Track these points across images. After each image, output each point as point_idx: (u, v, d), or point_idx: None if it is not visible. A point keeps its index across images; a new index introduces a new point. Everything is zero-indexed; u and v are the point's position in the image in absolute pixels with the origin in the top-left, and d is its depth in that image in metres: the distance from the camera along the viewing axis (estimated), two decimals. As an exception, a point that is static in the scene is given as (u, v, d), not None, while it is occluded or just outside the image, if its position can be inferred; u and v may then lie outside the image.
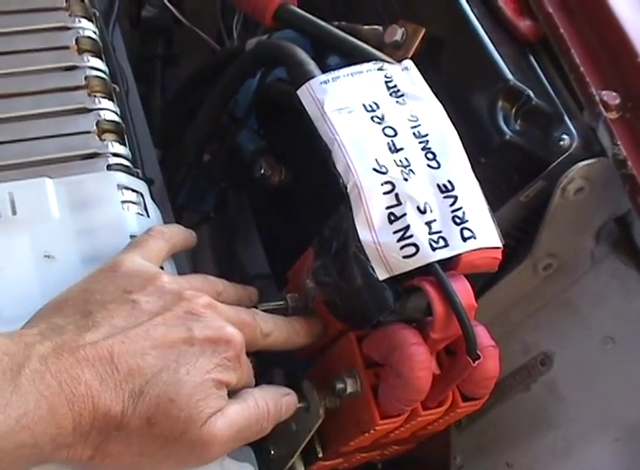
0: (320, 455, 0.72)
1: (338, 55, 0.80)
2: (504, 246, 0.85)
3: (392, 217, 0.64)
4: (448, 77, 0.79)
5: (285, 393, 0.66)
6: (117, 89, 0.76)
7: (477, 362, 0.62)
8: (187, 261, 1.10)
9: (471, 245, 0.63)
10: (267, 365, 0.82)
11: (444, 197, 0.65)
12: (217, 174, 1.02)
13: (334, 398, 0.68)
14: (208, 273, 1.07)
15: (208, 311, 0.62)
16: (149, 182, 0.88)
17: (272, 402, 0.64)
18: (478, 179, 0.71)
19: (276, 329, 0.68)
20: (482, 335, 0.66)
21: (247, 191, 1.01)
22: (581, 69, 0.76)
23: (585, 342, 0.78)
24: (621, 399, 0.74)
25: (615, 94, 0.76)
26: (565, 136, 0.75)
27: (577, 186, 0.75)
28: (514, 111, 0.75)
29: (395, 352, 0.62)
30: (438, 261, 0.63)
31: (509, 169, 0.77)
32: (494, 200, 0.79)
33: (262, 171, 0.89)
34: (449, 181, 0.66)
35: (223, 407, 0.60)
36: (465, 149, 0.69)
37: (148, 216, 0.68)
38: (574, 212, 0.78)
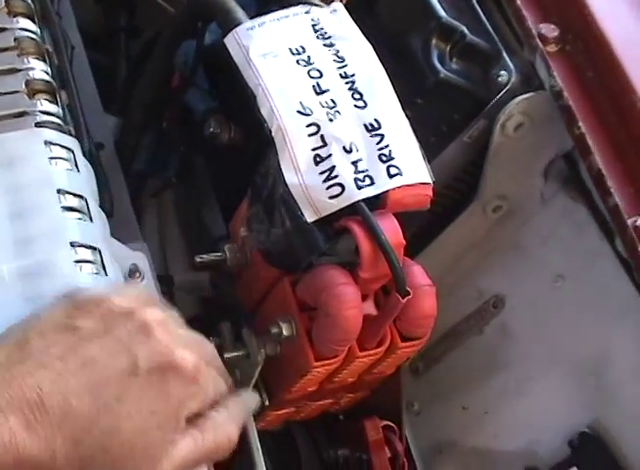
0: (266, 403, 0.72)
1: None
2: (455, 191, 0.85)
3: (318, 159, 0.63)
4: (384, 20, 0.78)
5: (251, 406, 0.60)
6: (51, 50, 0.76)
7: (406, 299, 0.61)
8: (154, 230, 1.11)
9: (397, 181, 0.63)
10: (215, 318, 0.82)
11: (371, 136, 0.64)
12: (176, 139, 1.02)
13: (273, 344, 0.68)
14: (174, 239, 1.08)
15: (160, 329, 0.54)
16: (97, 146, 0.88)
17: (235, 427, 0.56)
18: (416, 121, 0.70)
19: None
20: (418, 274, 0.66)
21: (203, 152, 1.01)
22: (518, 2, 0.75)
23: (536, 281, 0.77)
24: (571, 337, 0.73)
25: (553, 27, 0.75)
26: (503, 72, 0.74)
27: (517, 122, 0.74)
28: (448, 49, 0.74)
29: (323, 293, 0.62)
30: (366, 200, 0.62)
31: (447, 110, 0.76)
32: (436, 142, 0.79)
33: (211, 130, 0.89)
34: (376, 120, 0.65)
35: (172, 451, 0.52)
36: (401, 91, 0.68)
37: (78, 171, 0.67)
38: (518, 151, 0.77)
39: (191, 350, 0.54)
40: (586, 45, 0.73)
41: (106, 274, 0.63)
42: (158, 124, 1.01)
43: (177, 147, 1.02)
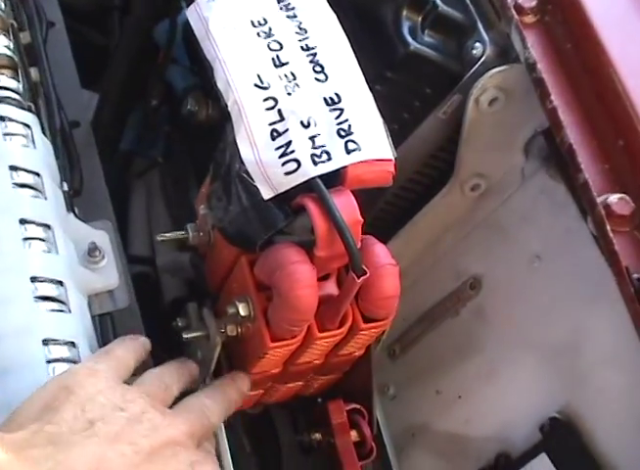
0: (229, 386, 0.71)
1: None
2: (432, 169, 0.83)
3: (275, 134, 0.61)
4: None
5: None
6: (16, 26, 0.74)
7: (362, 279, 0.59)
8: (141, 211, 1.10)
9: (355, 157, 0.60)
10: (182, 300, 0.81)
11: (330, 110, 0.62)
12: (161, 118, 1.01)
13: (232, 325, 0.66)
14: (161, 218, 1.07)
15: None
16: (72, 124, 0.87)
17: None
18: (388, 96, 0.68)
19: (218, 407, 0.64)
20: (379, 253, 0.64)
21: (184, 130, 0.99)
22: (493, -28, 0.72)
23: (513, 261, 0.74)
24: (545, 319, 0.71)
25: (531, -4, 0.72)
26: (477, 44, 0.71)
27: (491, 96, 0.71)
28: (420, 20, 0.72)
29: (277, 272, 0.60)
30: (323, 177, 0.60)
31: (419, 84, 0.74)
32: (409, 118, 0.77)
33: (189, 107, 0.87)
34: (336, 94, 0.63)
35: None
36: (371, 64, 0.66)
37: (34, 148, 0.66)
38: (494, 126, 0.74)
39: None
40: (565, 16, 0.70)
41: (57, 252, 0.62)
42: (144, 103, 1.00)
43: (163, 126, 1.01)
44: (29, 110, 0.70)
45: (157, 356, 0.89)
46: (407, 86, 0.73)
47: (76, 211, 0.75)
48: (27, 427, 0.51)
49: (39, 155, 0.66)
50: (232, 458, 0.92)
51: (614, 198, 0.61)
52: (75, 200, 0.79)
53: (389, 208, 0.84)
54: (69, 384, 0.53)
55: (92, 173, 0.85)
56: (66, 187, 0.75)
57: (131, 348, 0.62)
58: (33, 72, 0.79)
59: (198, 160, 0.96)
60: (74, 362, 0.56)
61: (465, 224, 0.79)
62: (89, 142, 0.87)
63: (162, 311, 1.03)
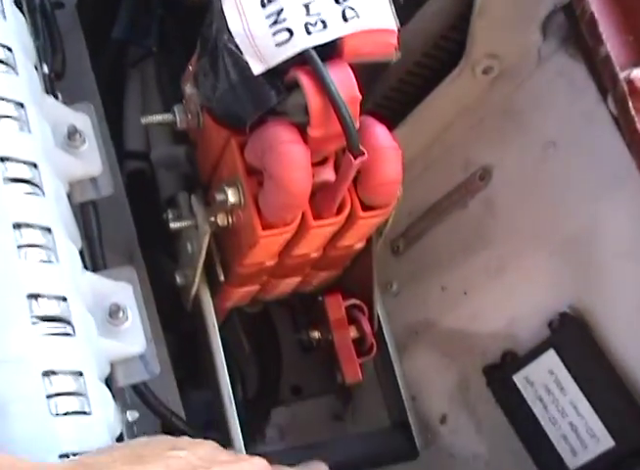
0: (222, 279, 0.67)
1: None
2: (443, 51, 0.77)
3: (265, 1, 0.56)
4: None
5: None
6: None
7: (359, 160, 0.55)
8: (136, 104, 1.05)
9: (353, 26, 0.55)
10: (172, 196, 0.77)
11: (327, -26, 0.57)
12: (154, 3, 0.95)
13: (222, 213, 0.62)
14: (156, 110, 1.02)
15: None
16: (55, 5, 0.82)
17: None
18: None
19: None
20: (380, 135, 0.59)
21: (176, 14, 0.93)
22: None
23: (526, 149, 0.69)
24: (558, 211, 0.66)
25: None
26: None
27: (505, -34, 0.65)
28: None
29: (267, 152, 0.55)
30: (318, 48, 0.55)
31: (428, -48, 0.68)
32: (417, -9, 0.71)
33: (180, -14, 0.81)
34: (333, -44, 0.57)
35: None
36: None
37: (4, 19, 0.61)
38: (510, 1, 0.68)
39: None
40: None
41: (30, 131, 0.57)
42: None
43: (156, 12, 0.95)
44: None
45: (153, 257, 0.86)
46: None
47: (59, 95, 0.70)
48: None
49: (10, 27, 0.61)
50: (231, 358, 0.90)
51: (638, 72, 0.56)
52: (59, 84, 0.74)
53: (395, 94, 0.78)
54: None
55: (77, 57, 0.80)
56: (46, 69, 0.70)
57: None
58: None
59: (193, 47, 0.91)
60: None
61: (476, 110, 0.73)
62: (74, 24, 0.82)
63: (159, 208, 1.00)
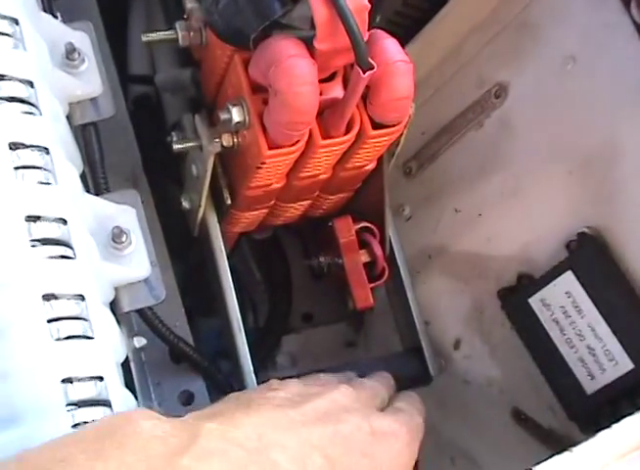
0: (228, 202, 0.65)
1: None
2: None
3: None
4: None
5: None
6: None
7: (368, 74, 0.52)
8: (140, 26, 1.02)
9: None
10: (178, 121, 0.74)
11: None
12: None
13: (228, 134, 0.60)
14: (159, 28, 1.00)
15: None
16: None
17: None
18: None
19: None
20: (390, 48, 0.56)
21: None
22: None
23: (544, 65, 0.66)
24: (577, 128, 0.63)
25: None
26: None
27: None
28: None
29: (272, 67, 0.53)
30: (324, -44, 0.52)
31: None
32: None
33: None
34: None
35: None
36: None
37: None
38: None
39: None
40: None
41: (25, 49, 0.55)
42: None
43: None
44: None
45: (160, 184, 0.84)
46: None
47: (59, 16, 0.68)
48: None
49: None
50: (241, 285, 0.89)
51: (664, -24, 0.53)
52: (56, 3, 0.72)
53: (407, 10, 0.75)
54: None
55: (76, -25, 0.77)
56: (43, -15, 0.68)
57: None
58: None
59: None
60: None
61: (491, 25, 0.70)
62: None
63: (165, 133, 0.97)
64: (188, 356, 0.64)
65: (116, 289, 0.55)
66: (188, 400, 0.64)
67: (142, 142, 0.79)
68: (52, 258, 0.47)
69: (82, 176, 0.61)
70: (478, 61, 0.72)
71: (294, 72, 0.52)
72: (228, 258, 0.71)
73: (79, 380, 0.44)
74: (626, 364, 0.60)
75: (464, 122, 0.72)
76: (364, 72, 0.52)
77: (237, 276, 0.92)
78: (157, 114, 0.96)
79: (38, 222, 0.48)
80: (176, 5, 0.94)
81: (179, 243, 0.76)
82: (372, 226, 0.68)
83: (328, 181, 0.66)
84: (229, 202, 0.65)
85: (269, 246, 0.87)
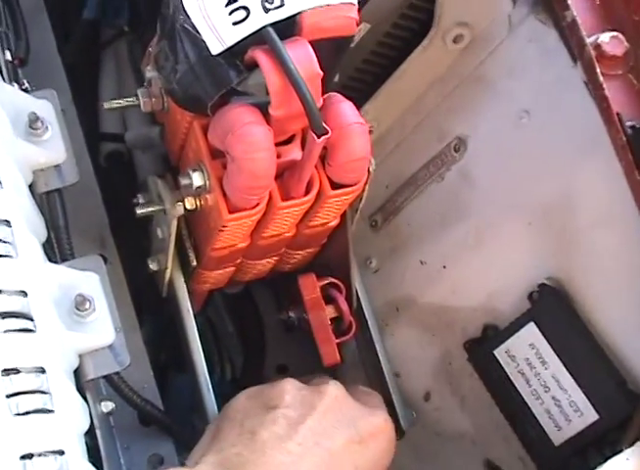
0: (194, 263, 0.66)
1: None
2: (412, 21, 0.75)
3: (221, -22, 0.54)
4: None
5: None
6: None
7: (323, 139, 0.53)
8: (111, 85, 1.03)
9: (312, 2, 0.53)
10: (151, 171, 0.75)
11: (284, -52, 0.55)
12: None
13: (191, 197, 0.61)
14: (131, 90, 1.00)
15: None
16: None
17: None
18: None
19: None
20: (346, 111, 0.57)
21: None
22: None
23: (500, 118, 0.67)
24: (534, 179, 0.64)
25: None
26: None
27: None
28: None
29: (229, 134, 0.54)
30: (276, 26, 0.53)
31: None
32: (382, -40, 0.69)
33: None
34: None
35: None
36: None
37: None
38: (477, -33, 0.67)
39: None
40: None
41: (-13, 122, 0.56)
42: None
43: (126, -9, 0.94)
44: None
45: (135, 240, 0.85)
46: None
47: (25, 83, 0.69)
48: None
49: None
50: (216, 337, 0.89)
51: (605, 37, 0.54)
52: (25, 71, 0.73)
53: (367, 67, 0.76)
54: None
55: (43, 42, 0.79)
56: (8, 56, 0.69)
57: None
58: None
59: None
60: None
61: (448, 80, 0.72)
62: (38, 7, 0.80)
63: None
64: (156, 419, 0.64)
65: (81, 356, 0.56)
66: (157, 464, 0.64)
67: (115, 198, 0.80)
68: (12, 331, 0.47)
69: (47, 242, 0.61)
70: (437, 115, 0.73)
71: (249, 140, 0.53)
72: (200, 313, 0.71)
73: (39, 455, 0.44)
74: (592, 415, 0.61)
75: (426, 176, 0.73)
76: (319, 137, 0.53)
77: (211, 328, 0.93)
78: (129, 170, 0.97)
79: (-2, 296, 0.49)
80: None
81: (154, 298, 0.77)
82: (337, 282, 0.69)
83: (293, 238, 0.67)
84: (195, 263, 0.66)
85: (242, 299, 0.87)
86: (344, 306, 0.68)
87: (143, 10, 0.95)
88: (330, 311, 0.68)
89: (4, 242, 0.51)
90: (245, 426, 0.59)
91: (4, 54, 0.68)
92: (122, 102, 0.63)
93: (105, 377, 0.58)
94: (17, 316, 0.48)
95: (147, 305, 0.80)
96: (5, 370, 0.46)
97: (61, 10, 0.91)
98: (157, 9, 0.87)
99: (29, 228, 0.55)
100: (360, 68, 0.77)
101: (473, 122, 0.70)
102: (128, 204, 0.85)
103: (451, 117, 0.72)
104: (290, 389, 0.62)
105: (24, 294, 0.49)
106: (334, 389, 0.63)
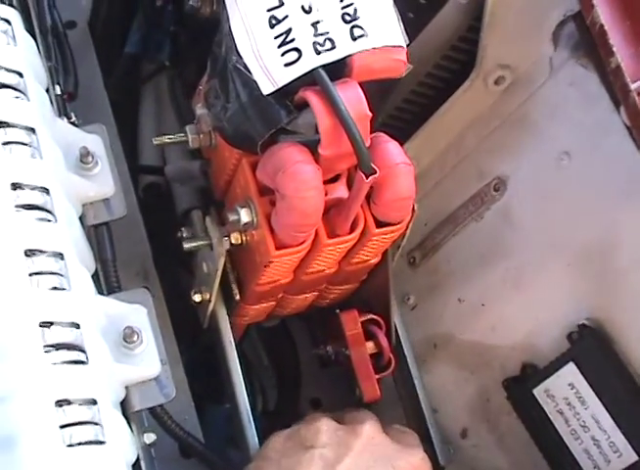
0: (237, 298, 0.67)
1: None
2: (454, 62, 0.77)
3: (274, 21, 0.55)
4: None
5: None
6: None
7: (371, 178, 0.54)
8: (150, 119, 1.05)
9: (362, 44, 0.55)
10: (187, 210, 0.77)
11: (334, -8, 0.56)
12: (167, 18, 0.95)
13: (236, 233, 0.62)
14: (170, 125, 1.02)
15: None
16: (67, 25, 0.82)
17: None
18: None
19: None
20: (392, 151, 0.58)
21: (189, 30, 0.93)
22: None
23: (540, 159, 0.68)
24: (575, 220, 0.65)
25: None
26: None
27: (514, -24, 0.65)
28: None
29: (279, 173, 0.55)
30: (327, 67, 0.55)
31: (437, -35, 0.67)
32: (426, 5, 0.70)
33: (191, 3, 0.81)
34: (341, -26, 0.57)
35: None
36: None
37: (15, 45, 0.61)
38: (519, 11, 0.67)
39: None
40: None
41: (41, 157, 0.57)
42: (149, 3, 0.94)
43: (169, 26, 0.96)
44: (10, 4, 0.65)
45: (171, 270, 0.86)
46: (423, -32, 0.66)
47: (73, 116, 0.71)
48: None
49: (20, 53, 0.61)
50: (251, 371, 0.90)
51: (650, 83, 0.55)
52: (72, 105, 0.75)
53: (408, 106, 0.78)
54: None
55: (90, 77, 0.81)
56: (58, 91, 0.71)
57: None
58: (20, -31, 0.74)
59: (206, 61, 0.91)
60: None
61: (489, 121, 0.73)
62: (86, 43, 0.82)
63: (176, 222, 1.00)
64: (197, 452, 0.65)
65: (127, 387, 0.57)
66: (197, 495, 0.65)
67: (152, 230, 0.82)
68: (65, 363, 0.48)
69: (94, 275, 0.63)
70: (477, 154, 0.74)
71: (299, 178, 0.54)
72: (237, 345, 0.72)
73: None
74: (631, 456, 0.61)
75: (465, 214, 0.74)
76: (367, 177, 0.54)
77: (246, 361, 0.93)
78: (166, 201, 0.99)
79: (52, 328, 0.49)
80: (185, 98, 0.99)
81: (189, 328, 0.78)
82: (378, 318, 0.70)
83: (334, 275, 0.68)
84: (238, 297, 0.67)
85: (278, 333, 0.88)
86: (385, 343, 0.69)
87: (184, 45, 0.98)
88: (370, 347, 0.69)
89: (59, 275, 0.52)
90: (282, 466, 0.60)
91: (54, 89, 0.70)
92: (173, 137, 0.65)
93: (149, 409, 0.59)
94: (70, 348, 0.49)
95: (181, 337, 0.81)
96: (58, 401, 0.47)
97: (105, 45, 0.94)
98: (198, 44, 0.91)
99: (81, 261, 0.56)
100: (400, 106, 0.78)
101: (513, 163, 0.71)
102: (165, 235, 0.87)
103: (491, 157, 0.73)
104: (325, 429, 0.63)
105: (77, 326, 0.51)
106: (370, 428, 0.63)
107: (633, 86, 0.55)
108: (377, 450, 0.62)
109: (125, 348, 0.57)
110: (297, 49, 0.55)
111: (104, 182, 0.63)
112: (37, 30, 0.73)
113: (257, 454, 0.63)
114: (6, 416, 0.46)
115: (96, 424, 0.47)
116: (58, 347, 0.49)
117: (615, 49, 0.56)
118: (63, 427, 0.46)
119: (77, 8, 0.84)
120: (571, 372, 0.64)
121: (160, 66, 1.00)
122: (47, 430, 0.45)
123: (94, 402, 0.48)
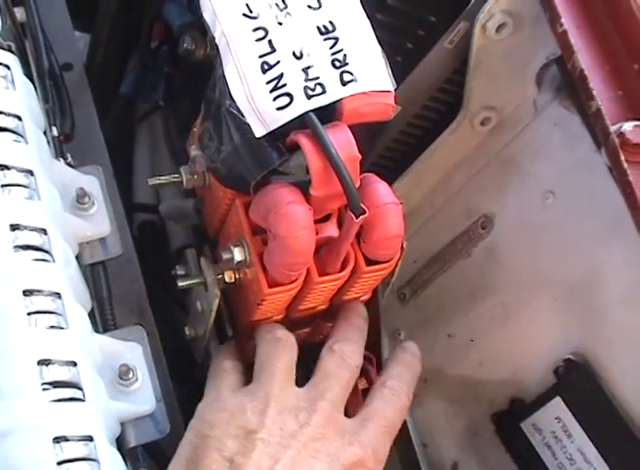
0: (230, 334, 0.68)
1: None
2: (441, 103, 0.79)
3: (266, 66, 0.57)
4: None
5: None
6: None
7: (361, 218, 0.56)
8: (145, 157, 1.07)
9: (351, 89, 0.57)
10: (181, 247, 0.78)
11: (324, 39, 0.58)
12: (161, 59, 0.97)
13: (230, 271, 0.63)
14: (165, 164, 1.04)
15: None
16: (63, 67, 0.84)
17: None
18: (389, 25, 0.64)
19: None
20: (381, 191, 0.60)
21: (182, 71, 0.96)
22: None
23: (526, 198, 0.70)
24: (560, 258, 0.67)
25: None
26: (477, -35, 0.67)
27: (498, 22, 0.66)
28: (421, -58, 0.67)
29: (271, 213, 0.57)
30: (318, 111, 0.57)
31: (423, 12, 0.69)
32: (413, 48, 0.73)
33: (185, 46, 0.83)
34: (330, 22, 0.59)
35: None
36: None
37: (14, 90, 0.63)
38: (503, 55, 0.70)
39: None
40: None
41: (39, 199, 0.59)
42: (143, 45, 0.96)
43: (163, 68, 0.98)
44: (9, 49, 0.66)
45: (165, 306, 0.88)
46: (410, 14, 0.68)
47: (69, 156, 0.72)
48: None
49: (19, 97, 0.63)
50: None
51: (628, 126, 0.57)
52: (68, 146, 0.76)
53: (396, 146, 0.80)
54: None
55: (86, 118, 0.82)
56: (55, 132, 0.72)
57: None
58: (19, 13, 0.76)
59: (200, 102, 0.93)
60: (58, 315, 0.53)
61: (476, 161, 0.75)
62: (82, 85, 0.84)
63: (170, 260, 1.01)
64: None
65: (122, 424, 0.58)
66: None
67: (146, 267, 0.83)
68: (63, 400, 0.50)
69: (91, 313, 0.64)
70: (465, 193, 0.76)
71: (291, 218, 0.56)
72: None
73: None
74: (617, 488, 0.62)
75: (453, 251, 0.75)
76: (357, 217, 0.56)
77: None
78: (161, 239, 1.00)
79: (50, 366, 0.51)
80: (179, 137, 1.01)
81: (183, 363, 0.79)
82: (368, 354, 0.71)
83: (326, 311, 0.69)
84: (230, 334, 0.68)
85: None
86: (375, 378, 0.70)
87: (178, 86, 1.00)
88: (362, 383, 0.70)
89: (56, 313, 0.53)
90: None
91: (51, 130, 0.72)
92: (168, 178, 0.66)
93: (144, 445, 0.60)
94: (67, 386, 0.50)
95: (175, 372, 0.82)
96: (56, 438, 0.48)
97: (101, 86, 0.96)
98: (191, 85, 0.93)
99: (78, 300, 0.57)
100: (390, 146, 0.80)
101: (499, 201, 0.73)
102: (160, 272, 0.88)
103: (478, 195, 0.75)
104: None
105: (74, 364, 0.52)
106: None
107: (613, 128, 0.57)
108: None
109: (121, 385, 0.58)
110: (288, 94, 0.56)
111: (100, 222, 0.65)
112: (35, 73, 0.75)
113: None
114: (4, 453, 0.48)
115: (93, 460, 0.48)
116: (55, 384, 0.50)
117: (595, 93, 0.58)
118: (60, 463, 0.47)
119: (74, 50, 0.86)
120: (557, 406, 0.65)
121: (155, 105, 1.03)
122: (45, 467, 0.46)
123: (91, 439, 0.49)
